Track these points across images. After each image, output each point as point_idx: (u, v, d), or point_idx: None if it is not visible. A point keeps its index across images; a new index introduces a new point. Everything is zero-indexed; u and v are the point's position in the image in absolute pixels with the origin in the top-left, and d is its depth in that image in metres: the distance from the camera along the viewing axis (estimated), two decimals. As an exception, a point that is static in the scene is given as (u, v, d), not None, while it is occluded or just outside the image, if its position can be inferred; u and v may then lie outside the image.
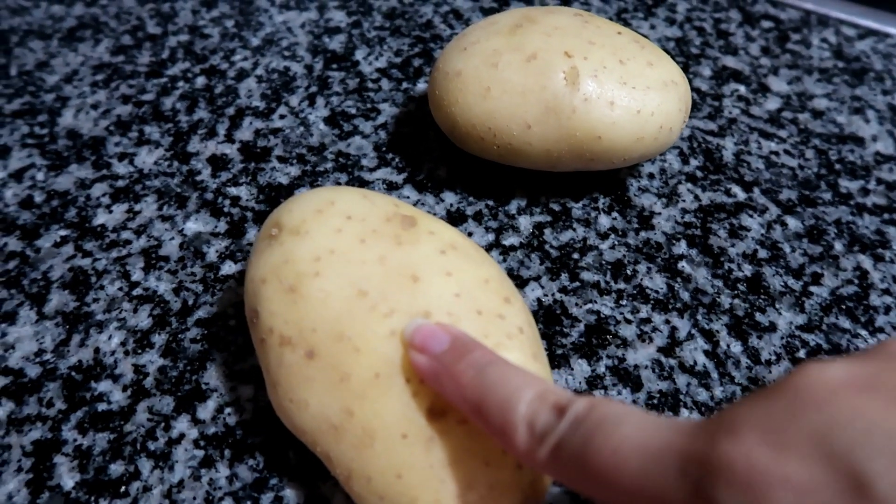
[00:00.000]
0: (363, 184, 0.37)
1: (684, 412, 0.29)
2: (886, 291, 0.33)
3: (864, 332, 0.32)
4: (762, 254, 0.34)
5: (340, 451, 0.22)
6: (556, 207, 0.36)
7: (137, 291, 0.32)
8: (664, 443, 0.16)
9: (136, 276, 0.33)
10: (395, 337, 0.23)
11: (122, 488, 0.26)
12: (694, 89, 0.43)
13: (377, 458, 0.22)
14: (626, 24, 0.47)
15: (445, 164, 0.38)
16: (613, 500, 0.17)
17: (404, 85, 0.43)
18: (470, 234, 0.35)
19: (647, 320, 0.32)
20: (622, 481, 0.16)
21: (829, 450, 0.14)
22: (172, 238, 0.34)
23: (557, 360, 0.30)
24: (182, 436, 0.28)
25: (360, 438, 0.22)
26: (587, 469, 0.17)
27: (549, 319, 0.32)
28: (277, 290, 0.24)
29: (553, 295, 0.33)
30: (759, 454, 0.14)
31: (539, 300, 0.32)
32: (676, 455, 0.16)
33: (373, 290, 0.23)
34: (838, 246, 0.35)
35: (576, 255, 0.34)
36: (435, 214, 0.36)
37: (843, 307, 0.32)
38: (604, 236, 0.35)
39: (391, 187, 0.37)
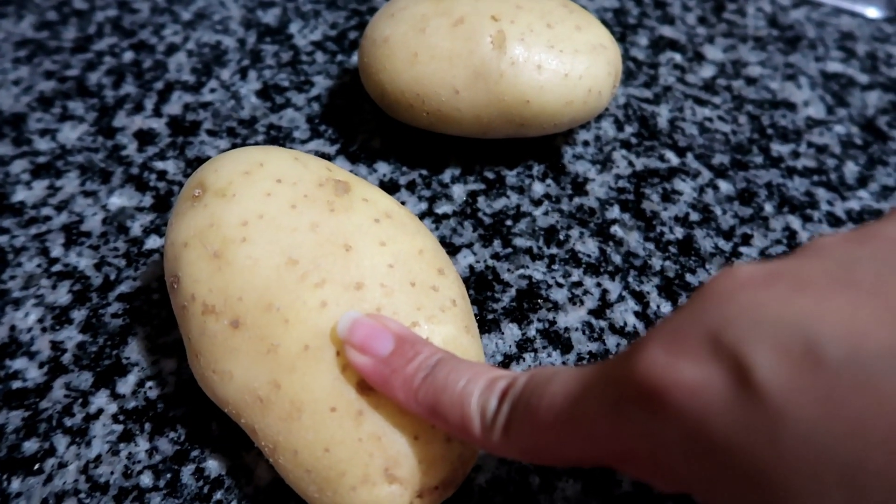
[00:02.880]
0: (295, 156, 0.36)
1: (613, 372, 0.29)
2: (814, 250, 0.33)
3: (791, 290, 0.32)
4: (694, 217, 0.35)
5: (266, 423, 0.22)
6: (490, 176, 0.36)
7: (57, 268, 0.31)
8: (587, 382, 0.16)
9: (56, 252, 0.32)
10: (326, 308, 0.22)
11: (36, 465, 0.25)
12: (630, 58, 0.43)
13: (305, 431, 0.21)
14: (565, -5, 0.47)
15: (379, 134, 0.38)
16: (564, 455, 0.17)
17: (339, 58, 0.42)
18: (403, 204, 0.34)
19: (579, 284, 0.32)
20: (561, 432, 0.17)
21: (718, 346, 0.13)
22: (95, 213, 0.33)
23: (488, 325, 0.30)
24: (100, 411, 0.27)
25: (287, 411, 0.21)
26: (533, 434, 0.18)
27: (480, 285, 0.31)
28: (201, 255, 0.23)
29: (485, 261, 0.32)
30: (660, 362, 0.14)
31: (471, 266, 0.32)
32: (598, 386, 0.16)
33: (304, 258, 0.23)
34: (768, 207, 0.35)
35: (509, 222, 0.34)
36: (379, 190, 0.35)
37: (772, 266, 0.33)
38: (537, 203, 0.35)
39: (324, 159, 0.36)
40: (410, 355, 0.21)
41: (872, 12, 0.48)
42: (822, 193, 0.36)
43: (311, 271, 0.22)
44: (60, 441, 0.26)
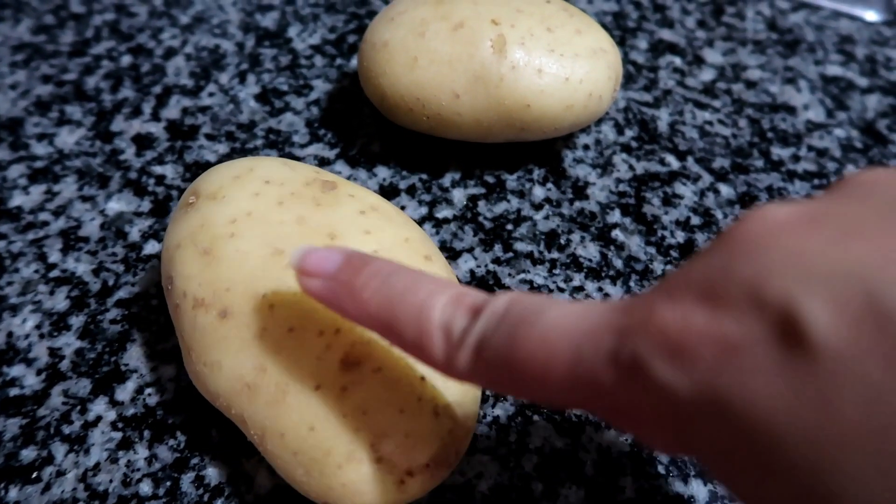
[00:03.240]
0: (294, 160, 0.36)
1: (615, 377, 0.29)
2: (815, 254, 0.33)
3: (793, 294, 0.32)
4: (695, 220, 0.35)
5: (254, 410, 0.22)
6: (490, 180, 0.36)
7: (54, 273, 0.31)
8: (596, 321, 0.14)
9: (54, 257, 0.32)
10: None
11: (34, 474, 0.25)
12: (630, 62, 0.43)
13: (290, 412, 0.21)
14: (564, -2, 0.47)
15: (379, 138, 0.37)
16: (547, 396, 0.15)
17: (338, 61, 0.42)
18: (403, 208, 0.34)
19: (580, 288, 0.32)
20: (552, 371, 0.15)
21: (762, 298, 0.12)
22: (93, 218, 0.33)
23: (489, 331, 0.30)
24: (99, 418, 0.27)
25: (273, 395, 0.21)
26: (514, 366, 0.15)
27: (481, 290, 0.31)
28: (192, 253, 0.24)
29: (486, 266, 0.32)
30: (695, 314, 0.13)
31: (472, 271, 0.32)
32: (610, 331, 0.14)
33: (289, 248, 0.23)
34: (769, 211, 0.35)
35: (510, 227, 0.34)
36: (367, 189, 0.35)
37: (773, 270, 0.33)
38: (538, 207, 0.35)
39: (323, 163, 0.36)
40: (360, 266, 0.19)
41: (871, 15, 0.48)
42: (822, 197, 0.36)
43: None
44: (59, 449, 0.26)
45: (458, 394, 0.22)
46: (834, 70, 0.43)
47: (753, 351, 0.12)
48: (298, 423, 0.21)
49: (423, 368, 0.21)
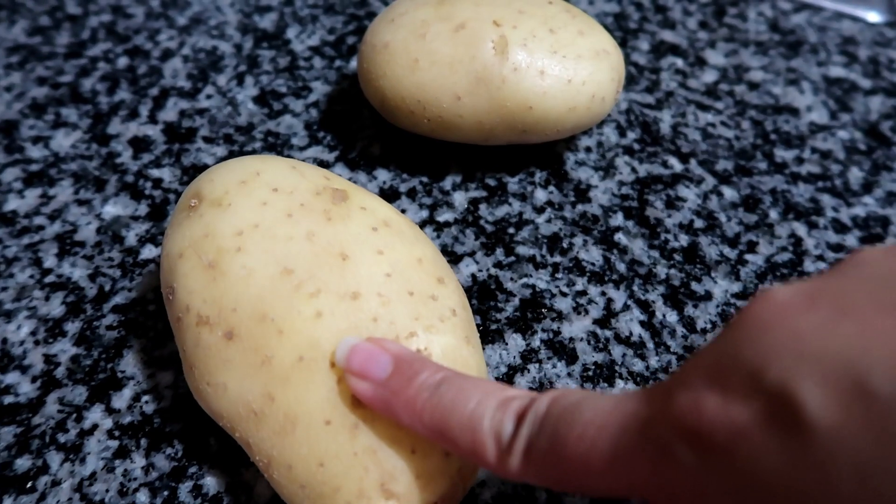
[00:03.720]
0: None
1: (619, 383, 0.28)
2: (820, 258, 0.33)
3: (798, 299, 0.31)
4: (698, 224, 0.34)
5: (260, 437, 0.21)
6: (491, 183, 0.35)
7: (50, 279, 0.31)
8: (625, 414, 0.16)
9: (49, 262, 0.31)
10: (321, 318, 0.21)
11: (29, 483, 0.25)
12: (632, 63, 0.43)
13: (299, 445, 0.20)
14: (565, -1, 0.47)
15: (379, 141, 0.37)
16: (593, 486, 0.17)
17: (337, 63, 0.42)
18: (403, 212, 0.34)
19: (583, 293, 0.31)
20: (594, 465, 0.16)
21: (762, 381, 0.13)
22: (89, 222, 0.33)
23: (492, 336, 0.29)
24: (95, 426, 0.26)
25: (281, 425, 0.21)
26: (560, 464, 0.17)
27: (483, 295, 0.31)
28: (196, 265, 0.23)
29: (488, 270, 0.32)
30: (707, 399, 0.14)
31: (473, 276, 0.32)
32: (638, 422, 0.15)
33: (299, 268, 0.22)
34: (773, 214, 0.35)
35: (511, 230, 0.33)
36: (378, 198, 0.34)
37: (778, 274, 0.32)
38: (540, 210, 0.34)
39: (322, 166, 0.36)
40: (411, 375, 0.20)
41: (873, 17, 0.47)
42: (827, 200, 0.36)
43: (306, 281, 0.22)
44: (54, 458, 0.25)
45: None
46: (837, 71, 0.43)
47: (758, 433, 0.13)
48: (308, 456, 0.20)
49: None
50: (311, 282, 0.22)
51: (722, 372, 0.14)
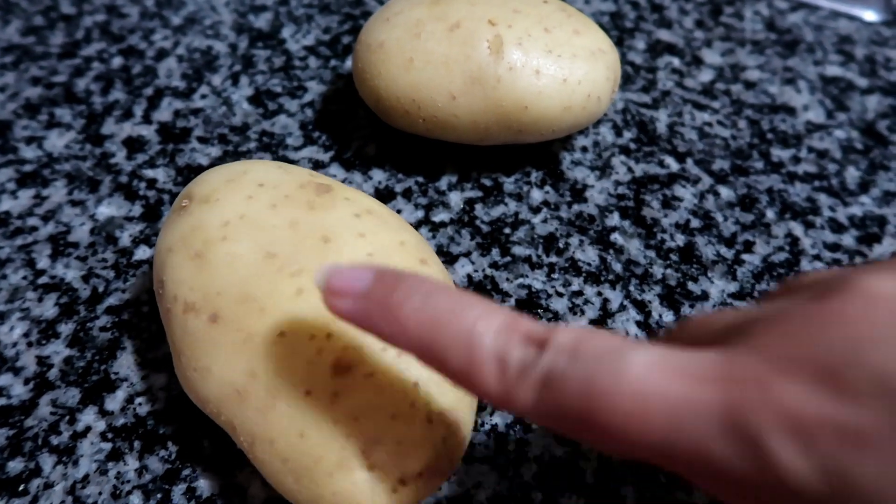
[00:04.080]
0: (288, 163, 0.35)
1: (616, 384, 0.28)
2: (817, 257, 0.33)
3: (794, 298, 0.31)
4: (695, 223, 0.34)
5: (244, 416, 0.21)
6: (487, 183, 0.35)
7: (43, 280, 0.30)
8: (698, 388, 0.13)
9: (42, 263, 0.31)
10: (301, 295, 0.21)
11: (21, 486, 0.24)
12: (628, 62, 0.42)
13: (280, 418, 0.20)
14: (561, -1, 0.47)
15: (374, 141, 0.37)
16: (626, 450, 0.14)
17: (333, 62, 0.41)
18: (399, 212, 0.34)
19: (579, 293, 0.31)
20: (639, 432, 0.14)
21: (891, 390, 0.12)
22: (83, 223, 0.33)
23: (487, 336, 0.29)
24: (88, 429, 0.26)
25: (263, 401, 0.21)
26: (592, 414, 0.14)
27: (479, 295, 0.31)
28: (184, 257, 0.23)
29: (484, 270, 0.32)
30: (817, 397, 0.12)
31: (469, 276, 0.31)
32: (720, 403, 0.13)
33: (282, 251, 0.22)
34: (770, 214, 0.35)
35: (507, 230, 0.33)
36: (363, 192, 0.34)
37: (775, 273, 0.32)
38: (536, 210, 0.34)
39: (317, 166, 0.35)
40: (396, 282, 0.17)
41: (870, 15, 0.47)
42: (823, 199, 0.35)
43: (288, 262, 0.22)
44: (46, 460, 0.25)
45: (453, 400, 0.21)
46: (833, 70, 0.43)
47: (888, 442, 0.12)
48: (289, 429, 0.20)
49: (416, 372, 0.21)
50: (292, 263, 0.22)
51: (836, 370, 0.12)
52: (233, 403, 0.21)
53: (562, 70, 0.31)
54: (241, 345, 0.21)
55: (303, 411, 0.20)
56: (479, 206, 0.34)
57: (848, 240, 0.34)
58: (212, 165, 0.35)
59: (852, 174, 0.37)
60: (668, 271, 0.32)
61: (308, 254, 0.22)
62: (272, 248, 0.22)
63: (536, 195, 0.35)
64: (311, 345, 0.21)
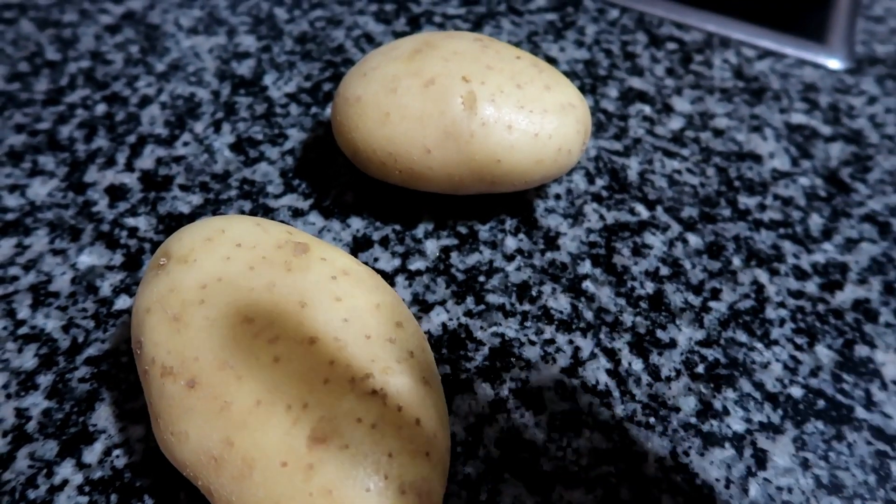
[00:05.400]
0: (268, 211, 0.36)
1: (586, 432, 0.29)
2: (781, 304, 0.34)
3: (759, 345, 0.32)
4: (664, 271, 0.35)
5: (220, 483, 0.22)
6: (463, 230, 0.36)
7: (23, 330, 0.31)
8: None
9: (23, 313, 0.31)
10: (278, 363, 0.22)
11: (-3, 542, 0.25)
12: (601, 110, 0.44)
13: (256, 488, 0.21)
14: (537, 46, 0.48)
15: (353, 189, 0.38)
16: None
17: (313, 110, 0.42)
18: (376, 260, 0.34)
19: (551, 341, 0.32)
20: None
21: None
22: (64, 273, 0.33)
23: (461, 385, 0.30)
24: (65, 482, 0.26)
25: (239, 469, 0.21)
26: None
27: (453, 344, 0.31)
28: (161, 319, 0.24)
29: (458, 319, 0.32)
30: None
31: (444, 325, 0.32)
32: None
33: (259, 317, 0.23)
34: (736, 261, 0.36)
35: (482, 278, 0.34)
36: (341, 241, 0.35)
37: (741, 321, 0.33)
38: (510, 258, 0.35)
39: (297, 214, 0.36)
40: None
41: (834, 63, 0.49)
42: (788, 246, 0.37)
43: (265, 328, 0.23)
44: (23, 515, 0.25)
45: (426, 470, 0.22)
46: (798, 118, 0.44)
47: None
48: (264, 499, 0.21)
49: (390, 444, 0.21)
50: (269, 329, 0.23)
51: None
52: (209, 470, 0.22)
53: (533, 125, 0.32)
54: (219, 412, 0.22)
55: (279, 483, 0.21)
56: (454, 255, 0.35)
57: (811, 287, 0.35)
58: (193, 214, 0.36)
59: (816, 221, 0.38)
60: (638, 319, 0.33)
61: (284, 319, 0.23)
62: (249, 313, 0.23)
63: (510, 243, 0.36)
64: (287, 415, 0.21)
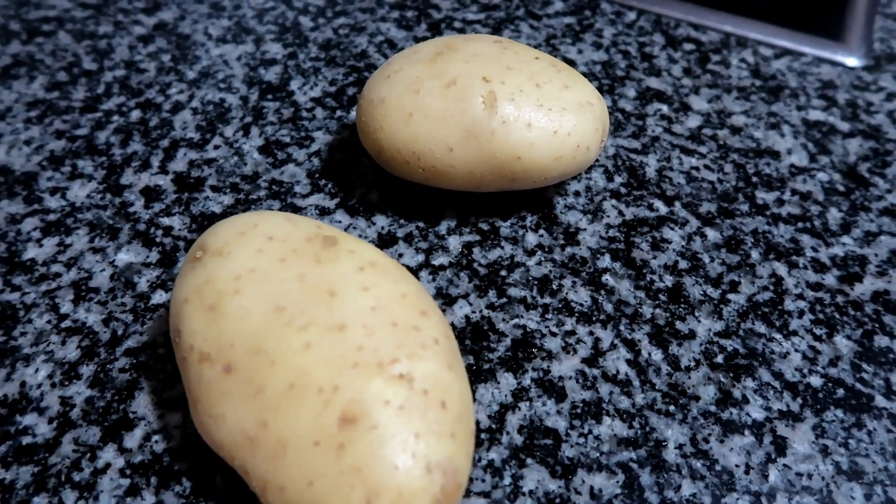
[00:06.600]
0: (296, 210, 0.38)
1: (606, 420, 0.30)
2: (800, 296, 0.35)
3: (778, 336, 0.33)
4: (682, 265, 0.36)
5: (255, 463, 0.23)
6: (484, 227, 0.37)
7: (66, 324, 0.32)
8: None
9: (66, 308, 0.33)
10: (309, 349, 0.23)
11: (45, 521, 0.26)
12: (619, 110, 0.45)
13: (289, 467, 0.22)
14: (555, 49, 0.49)
15: (377, 188, 0.39)
16: None
17: (338, 113, 0.44)
18: (400, 256, 0.36)
19: (572, 332, 0.33)
20: None
21: None
22: (103, 270, 0.35)
23: (484, 375, 0.31)
24: (108, 465, 0.28)
25: (273, 449, 0.22)
26: None
27: (476, 335, 0.32)
28: (198, 308, 0.25)
29: (481, 311, 0.33)
30: None
31: (467, 317, 0.33)
32: None
33: (290, 305, 0.24)
34: (755, 255, 0.36)
35: (503, 273, 0.35)
36: (366, 237, 0.36)
37: (759, 312, 0.34)
38: (531, 253, 0.36)
39: (323, 213, 0.38)
40: None
41: (852, 61, 0.49)
42: (806, 240, 0.37)
43: (296, 316, 0.24)
44: (69, 496, 0.27)
45: (451, 449, 0.23)
46: (816, 115, 0.45)
47: None
48: (298, 477, 0.22)
49: (417, 424, 0.22)
50: (301, 317, 0.24)
51: None
52: (245, 450, 0.23)
53: (552, 122, 0.33)
54: (254, 395, 0.23)
55: (311, 461, 0.22)
56: (476, 250, 0.36)
57: (830, 279, 0.35)
58: (224, 213, 0.37)
59: (834, 215, 0.38)
60: (657, 311, 0.34)
61: (315, 308, 0.24)
62: (281, 302, 0.24)
63: (531, 238, 0.37)
64: (318, 398, 0.22)
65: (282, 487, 0.22)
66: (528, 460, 0.28)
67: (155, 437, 0.29)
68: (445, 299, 0.34)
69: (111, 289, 0.34)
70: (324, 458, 0.22)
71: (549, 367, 0.31)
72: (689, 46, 0.50)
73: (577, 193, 0.39)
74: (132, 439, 0.28)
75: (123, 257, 0.35)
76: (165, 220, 0.37)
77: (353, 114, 0.44)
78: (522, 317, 0.33)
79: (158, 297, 0.34)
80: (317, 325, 0.24)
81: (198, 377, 0.24)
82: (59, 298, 0.33)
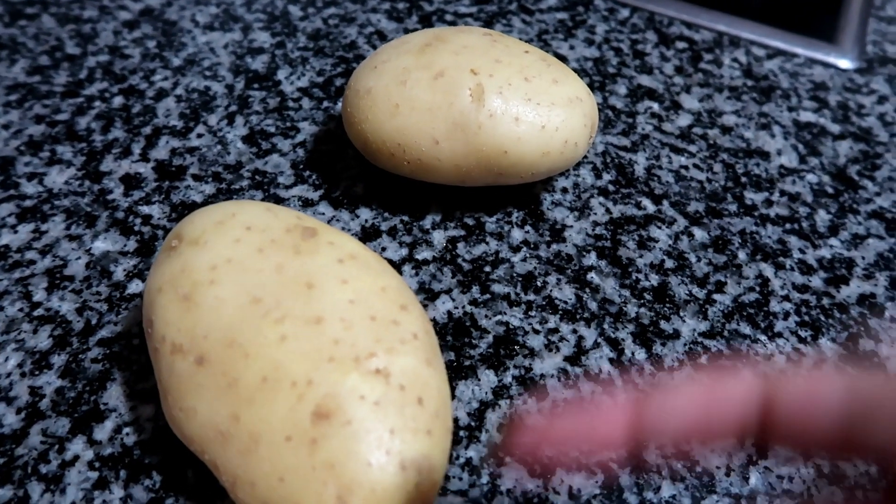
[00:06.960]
0: (279, 201, 0.37)
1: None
2: (786, 298, 0.34)
3: (763, 338, 0.32)
4: (669, 264, 0.35)
5: (227, 458, 0.22)
6: (470, 222, 0.37)
7: (39, 312, 0.32)
8: None
9: (39, 296, 0.32)
10: (284, 342, 0.23)
11: (10, 514, 0.25)
12: (609, 107, 0.44)
13: (261, 462, 0.21)
14: (547, 44, 0.49)
15: (362, 180, 0.38)
16: None
17: (325, 104, 0.43)
18: (384, 250, 0.35)
19: (555, 330, 0.32)
20: None
21: None
22: (79, 257, 0.34)
23: (465, 371, 0.30)
24: (76, 457, 0.27)
25: (245, 444, 0.22)
26: None
27: (458, 331, 0.32)
28: (172, 298, 0.24)
29: (463, 307, 0.33)
30: None
31: (449, 313, 0.33)
32: None
33: (267, 297, 0.24)
34: (742, 255, 0.36)
35: (487, 268, 0.35)
36: (349, 230, 0.36)
37: (745, 314, 0.33)
38: (516, 249, 0.35)
39: (307, 204, 0.37)
40: None
41: (844, 63, 0.49)
42: (794, 241, 0.37)
43: (272, 308, 0.23)
44: (35, 489, 0.26)
45: (427, 446, 0.22)
46: (807, 116, 0.44)
47: None
48: (269, 473, 0.21)
49: (392, 421, 0.22)
50: (277, 309, 0.23)
51: None
52: (216, 444, 0.22)
53: (540, 117, 0.33)
54: (226, 388, 0.22)
55: (283, 456, 0.21)
56: (461, 245, 0.36)
57: (816, 281, 0.35)
58: (205, 202, 0.37)
59: (822, 217, 0.38)
60: (642, 310, 0.33)
61: (292, 300, 0.23)
62: (257, 293, 0.24)
63: (517, 234, 0.36)
64: (292, 392, 0.22)
65: (252, 483, 0.22)
66: (507, 458, 0.28)
67: (126, 430, 0.28)
68: (428, 294, 0.33)
69: (86, 277, 0.33)
70: (296, 453, 0.21)
71: (531, 364, 0.31)
72: (681, 45, 0.50)
73: (564, 190, 0.39)
74: (102, 431, 0.28)
75: (100, 245, 0.34)
76: (145, 209, 0.36)
77: (339, 105, 0.43)
78: (505, 313, 0.33)
79: (135, 286, 0.33)
80: (293, 318, 0.23)
81: (169, 369, 0.24)
82: (33, 286, 0.33)
